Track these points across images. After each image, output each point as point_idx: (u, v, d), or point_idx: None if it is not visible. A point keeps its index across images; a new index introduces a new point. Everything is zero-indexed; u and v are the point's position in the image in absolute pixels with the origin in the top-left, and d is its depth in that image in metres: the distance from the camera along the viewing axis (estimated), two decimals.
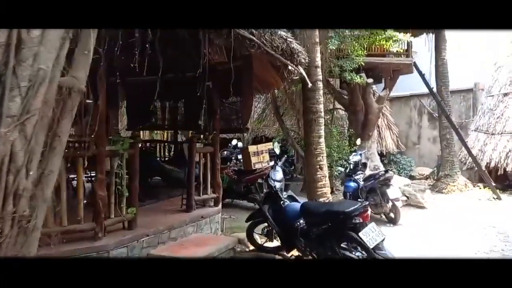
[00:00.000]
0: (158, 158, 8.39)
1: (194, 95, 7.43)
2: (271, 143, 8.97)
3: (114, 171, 4.34)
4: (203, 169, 5.90)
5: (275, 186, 4.88)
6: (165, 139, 10.96)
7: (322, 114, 5.79)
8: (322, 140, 5.76)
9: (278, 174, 5.01)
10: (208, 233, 5.68)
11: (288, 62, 4.77)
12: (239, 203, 8.44)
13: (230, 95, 7.10)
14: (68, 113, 1.88)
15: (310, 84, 5.21)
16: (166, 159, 8.56)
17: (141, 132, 12.30)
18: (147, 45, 4.52)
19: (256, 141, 13.71)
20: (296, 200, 5.09)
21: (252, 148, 7.86)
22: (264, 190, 5.10)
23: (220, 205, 6.19)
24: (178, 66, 8.41)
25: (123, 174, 4.40)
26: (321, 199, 5.64)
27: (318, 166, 5.74)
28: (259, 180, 7.71)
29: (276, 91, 9.25)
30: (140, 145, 8.79)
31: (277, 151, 6.21)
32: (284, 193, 5.06)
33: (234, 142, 9.64)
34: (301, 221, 4.73)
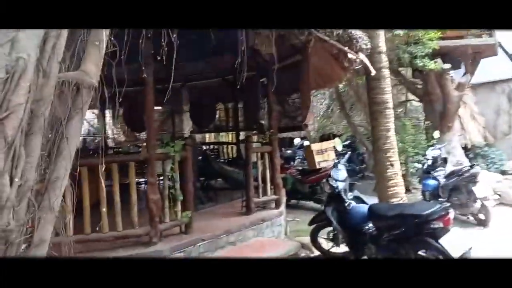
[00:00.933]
0: (220, 160, 8.30)
1: (252, 94, 7.23)
2: (338, 140, 8.41)
3: (167, 174, 4.22)
4: (261, 169, 5.61)
5: (337, 187, 4.41)
6: (230, 141, 10.90)
7: (390, 105, 5.17)
8: (391, 134, 5.14)
9: (341, 173, 4.52)
10: (270, 237, 5.36)
11: (346, 49, 4.28)
12: (304, 204, 8.02)
13: (288, 92, 6.79)
14: (77, 112, 1.69)
15: (373, 72, 4.65)
16: (228, 160, 8.44)
17: (207, 134, 12.52)
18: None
19: (324, 139, 13.13)
20: (364, 202, 4.55)
21: (315, 146, 7.40)
22: (328, 190, 4.65)
23: (282, 207, 5.85)
24: (234, 67, 8.31)
25: (176, 177, 4.27)
26: (393, 200, 5.03)
27: (388, 163, 5.13)
28: (325, 180, 7.21)
29: (341, 85, 8.71)
30: (203, 147, 8.84)
31: (339, 148, 5.69)
32: (349, 193, 4.56)
33: (297, 140, 9.24)
34: (370, 225, 4.21)
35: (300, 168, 8.43)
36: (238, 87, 8.50)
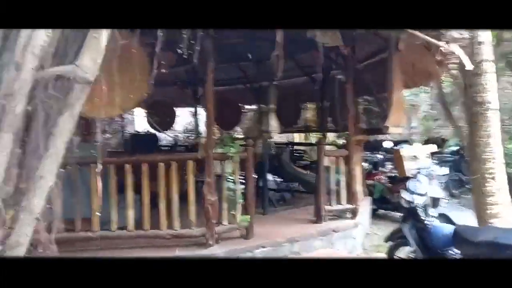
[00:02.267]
0: (303, 162, 7.98)
1: (338, 93, 6.76)
2: (434, 145, 7.40)
3: (225, 175, 4.10)
4: (335, 175, 5.17)
5: (412, 201, 3.76)
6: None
7: (494, 105, 4.25)
8: (494, 140, 4.22)
9: (421, 185, 3.83)
10: (339, 250, 4.89)
11: (431, 39, 3.64)
12: (392, 216, 7.22)
13: (378, 91, 6.17)
14: (68, 107, 1.61)
15: (469, 66, 3.86)
16: (311, 162, 8.06)
17: (296, 135, 12.25)
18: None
19: (429, 143, 11.79)
20: (451, 222, 3.82)
21: (405, 151, 6.57)
22: (404, 204, 4.01)
23: (358, 218, 5.31)
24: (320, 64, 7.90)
25: (235, 179, 4.13)
26: (493, 221, 4.13)
27: (488, 176, 4.24)
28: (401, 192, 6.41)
29: (444, 82, 7.65)
30: (285, 148, 8.59)
31: (423, 154, 4.88)
32: (432, 210, 3.87)
33: (386, 144, 8.38)
34: (454, 250, 3.51)
35: (391, 175, 7.64)
36: (322, 85, 8.19)
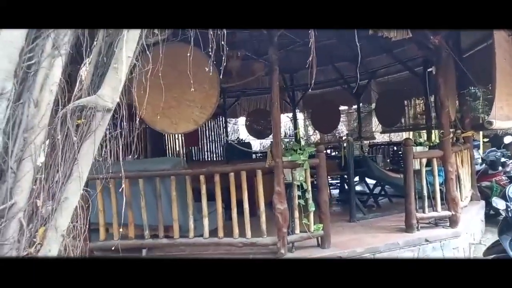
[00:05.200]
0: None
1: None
2: None
3: (295, 183, 4.03)
4: (427, 178, 4.64)
5: (510, 210, 3.12)
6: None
7: None
8: None
9: None
10: None
11: None
12: None
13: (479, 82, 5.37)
14: (90, 134, 1.78)
15: None
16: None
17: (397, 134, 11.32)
18: None
19: None
20: None
21: None
22: (502, 213, 3.34)
23: (462, 226, 4.66)
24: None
25: (306, 187, 4.02)
26: None
27: None
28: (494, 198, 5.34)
29: None
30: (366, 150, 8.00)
31: None
32: None
33: (508, 139, 7.12)
34: None
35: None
36: (424, 79, 7.44)
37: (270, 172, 4.01)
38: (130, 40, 1.91)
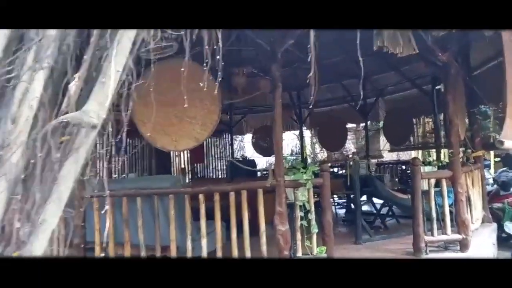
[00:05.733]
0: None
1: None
2: None
3: (297, 203, 3.88)
4: (436, 199, 4.45)
5: None
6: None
7: None
8: None
9: None
10: None
11: None
12: None
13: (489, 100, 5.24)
14: (72, 152, 1.69)
15: None
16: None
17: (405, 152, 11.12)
18: None
19: None
20: None
21: None
22: None
23: (473, 250, 4.44)
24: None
25: (308, 207, 3.88)
26: None
27: None
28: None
29: None
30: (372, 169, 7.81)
31: None
32: None
33: None
34: None
35: None
36: (432, 97, 7.30)
37: (273, 190, 3.89)
38: (119, 54, 1.83)
